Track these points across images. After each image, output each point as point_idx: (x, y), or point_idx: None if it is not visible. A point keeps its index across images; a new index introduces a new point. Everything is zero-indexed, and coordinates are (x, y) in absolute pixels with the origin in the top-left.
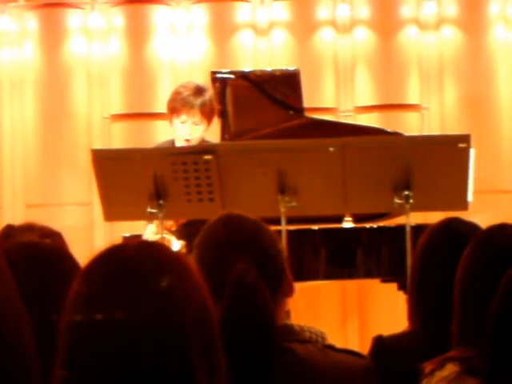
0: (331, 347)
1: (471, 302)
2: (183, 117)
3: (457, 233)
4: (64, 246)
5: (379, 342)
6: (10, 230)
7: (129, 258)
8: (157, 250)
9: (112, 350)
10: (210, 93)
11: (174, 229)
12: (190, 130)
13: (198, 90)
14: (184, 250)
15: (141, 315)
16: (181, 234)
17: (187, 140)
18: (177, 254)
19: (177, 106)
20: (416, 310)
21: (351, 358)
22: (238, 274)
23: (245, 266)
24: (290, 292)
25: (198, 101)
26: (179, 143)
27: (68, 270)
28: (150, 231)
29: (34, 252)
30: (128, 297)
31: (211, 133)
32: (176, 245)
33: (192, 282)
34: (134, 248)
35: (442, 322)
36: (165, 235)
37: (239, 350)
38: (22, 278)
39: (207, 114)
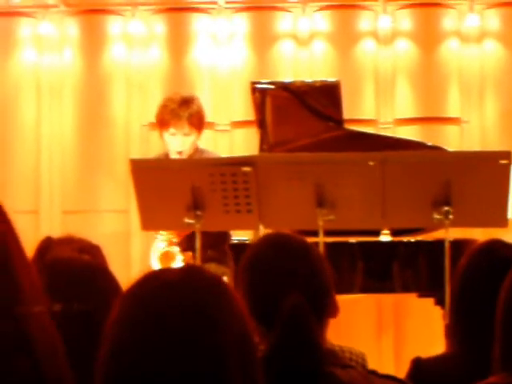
0: (374, 373)
1: None
2: (172, 129)
3: (499, 256)
4: (103, 260)
5: (418, 365)
6: (48, 242)
7: (170, 283)
8: (198, 275)
9: (151, 375)
10: (197, 103)
11: (175, 240)
12: (180, 142)
13: (185, 102)
14: (191, 261)
15: (181, 341)
16: (186, 245)
17: (179, 152)
18: (218, 279)
19: (165, 118)
20: (456, 332)
21: None
22: (290, 311)
23: (297, 298)
24: (334, 313)
25: (185, 112)
26: (172, 156)
27: (106, 287)
28: (156, 246)
29: (74, 268)
30: (169, 324)
31: (250, 143)
32: (179, 257)
33: (233, 307)
34: (176, 274)
35: (482, 346)
36: (168, 248)
37: (287, 381)
38: (60, 294)
39: (196, 124)
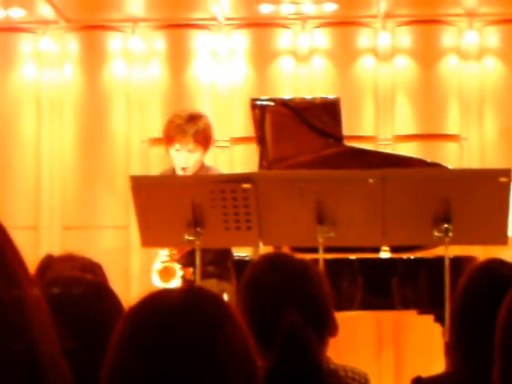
0: None
1: None
2: (177, 145)
3: (498, 275)
4: (104, 279)
5: None
6: (49, 259)
7: (173, 306)
8: (200, 297)
9: None
10: (204, 120)
11: (176, 257)
12: (185, 158)
13: (191, 118)
14: (192, 277)
15: (184, 363)
16: (186, 261)
17: (183, 168)
18: (220, 301)
19: (170, 134)
20: (456, 351)
21: None
22: (289, 328)
23: (295, 317)
24: (334, 332)
25: (191, 129)
26: (178, 171)
27: (109, 307)
28: (157, 261)
29: (76, 287)
30: (171, 347)
31: (250, 159)
32: (179, 273)
33: (235, 329)
34: (179, 295)
35: (482, 365)
36: (169, 264)
37: None
38: (62, 313)
39: (201, 141)
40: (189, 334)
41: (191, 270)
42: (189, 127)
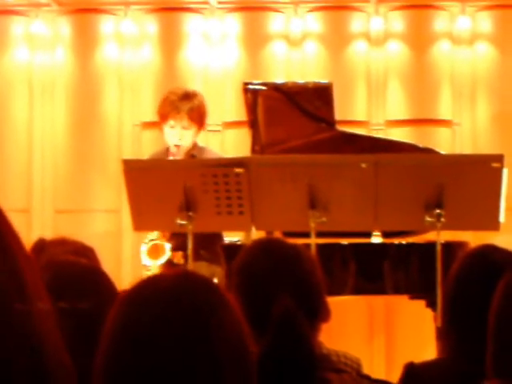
0: (367, 377)
1: (507, 334)
2: (171, 122)
3: (491, 260)
4: (97, 263)
5: (410, 370)
6: (42, 243)
7: (165, 292)
8: (195, 283)
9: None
10: (199, 98)
11: (167, 237)
12: (179, 135)
13: (186, 96)
14: (182, 261)
15: (177, 351)
16: (176, 245)
17: (177, 146)
18: (213, 286)
19: (165, 111)
20: (449, 337)
21: None
22: (282, 313)
23: (288, 302)
24: (327, 317)
25: (186, 106)
26: (171, 149)
27: (104, 291)
28: (146, 240)
29: (72, 271)
30: (165, 333)
31: (242, 144)
32: (168, 247)
33: (229, 315)
34: (171, 281)
35: (475, 351)
36: (158, 241)
37: None
38: (57, 298)
39: (195, 118)
40: (182, 320)
41: (181, 253)
42: (183, 104)
